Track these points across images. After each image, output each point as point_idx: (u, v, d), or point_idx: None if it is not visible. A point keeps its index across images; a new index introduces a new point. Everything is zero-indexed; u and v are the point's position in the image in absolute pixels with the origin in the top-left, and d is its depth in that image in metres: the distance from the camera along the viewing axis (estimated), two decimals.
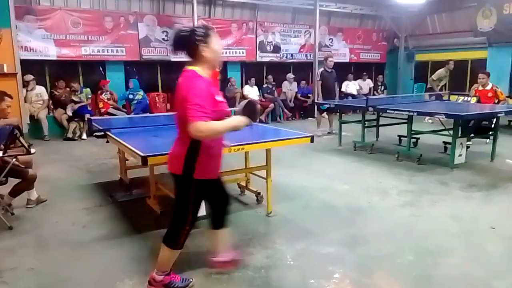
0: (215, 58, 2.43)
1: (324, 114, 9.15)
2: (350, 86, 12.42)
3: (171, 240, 2.55)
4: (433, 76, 10.12)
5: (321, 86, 8.75)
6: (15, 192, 4.06)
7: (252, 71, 11.95)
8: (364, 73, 13.32)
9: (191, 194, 2.46)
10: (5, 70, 7.53)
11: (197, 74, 2.34)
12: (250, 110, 2.49)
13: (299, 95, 12.05)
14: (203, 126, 2.18)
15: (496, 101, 7.76)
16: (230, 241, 2.91)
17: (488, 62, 11.57)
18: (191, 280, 2.75)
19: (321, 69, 8.86)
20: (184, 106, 2.22)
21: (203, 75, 2.35)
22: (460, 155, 5.67)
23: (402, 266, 2.98)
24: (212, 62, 2.43)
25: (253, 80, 11.38)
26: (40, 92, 8.80)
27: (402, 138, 7.27)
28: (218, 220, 2.79)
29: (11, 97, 4.21)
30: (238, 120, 2.40)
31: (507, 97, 9.77)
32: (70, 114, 8.73)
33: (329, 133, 8.88)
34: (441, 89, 10.29)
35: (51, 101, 9.06)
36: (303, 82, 12.31)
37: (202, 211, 3.51)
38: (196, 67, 2.38)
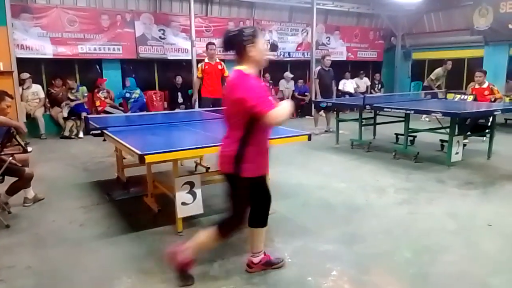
0: (261, 58, 2.54)
1: (321, 113, 9.16)
2: (347, 85, 12.43)
3: (222, 234, 2.62)
4: (431, 76, 10.15)
5: (318, 85, 8.76)
6: (12, 190, 4.04)
7: None
8: (361, 72, 13.33)
9: (242, 192, 2.56)
10: (1, 69, 7.50)
11: (245, 73, 2.44)
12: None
13: (296, 94, 12.04)
14: (276, 113, 2.33)
15: (493, 99, 7.79)
16: (267, 241, 2.92)
17: (484, 61, 11.61)
18: (282, 259, 2.93)
19: (319, 68, 8.88)
20: (244, 105, 2.33)
21: (250, 73, 2.45)
22: (457, 153, 5.69)
23: (399, 263, 2.99)
24: (258, 62, 2.54)
25: None
26: (37, 90, 8.76)
27: (399, 136, 7.29)
28: (257, 217, 2.78)
29: (11, 97, 4.21)
30: (288, 103, 2.49)
31: (504, 95, 9.83)
32: (65, 115, 8.69)
33: (326, 131, 8.89)
34: (437, 88, 10.31)
35: (47, 100, 9.03)
36: (301, 80, 12.31)
37: (200, 209, 3.54)
38: (243, 67, 2.49)
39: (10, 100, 4.17)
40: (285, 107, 2.45)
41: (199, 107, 7.56)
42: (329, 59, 8.84)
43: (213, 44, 7.39)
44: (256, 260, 2.83)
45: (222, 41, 2.56)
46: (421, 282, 2.77)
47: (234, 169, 2.47)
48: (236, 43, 2.48)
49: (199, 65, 7.47)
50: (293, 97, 11.92)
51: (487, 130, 6.71)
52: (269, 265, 2.88)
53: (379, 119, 7.55)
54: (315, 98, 8.79)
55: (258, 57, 2.50)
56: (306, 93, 12.02)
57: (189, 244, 2.67)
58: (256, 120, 2.39)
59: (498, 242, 3.36)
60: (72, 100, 8.83)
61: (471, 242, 3.35)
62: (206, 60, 7.32)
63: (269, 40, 11.86)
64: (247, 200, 2.61)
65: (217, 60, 7.32)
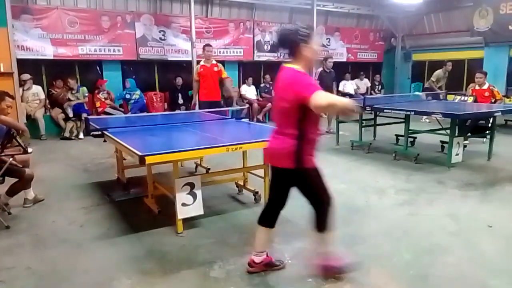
0: (313, 58, 2.56)
1: (322, 114, 9.15)
2: (348, 86, 12.42)
3: (323, 225, 2.67)
4: (432, 78, 10.17)
5: (319, 86, 8.75)
6: (12, 191, 4.04)
7: (250, 70, 11.94)
8: (362, 73, 13.32)
9: (315, 179, 2.62)
10: (2, 70, 7.50)
11: (297, 71, 2.47)
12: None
13: None
14: (322, 95, 2.28)
15: (493, 100, 7.80)
16: (336, 245, 2.88)
17: (484, 62, 11.62)
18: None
19: (320, 69, 8.88)
20: (295, 94, 2.37)
21: (302, 71, 2.48)
22: (457, 154, 5.69)
23: (399, 264, 2.99)
24: (310, 62, 2.57)
25: (250, 79, 11.36)
26: (37, 91, 8.76)
27: (399, 137, 7.28)
28: (266, 215, 2.86)
29: (12, 98, 4.22)
30: (350, 101, 2.36)
31: (504, 96, 9.84)
32: (71, 115, 8.71)
33: (327, 132, 8.89)
34: (439, 89, 10.32)
35: (47, 101, 9.04)
36: None
37: (200, 210, 3.54)
38: (295, 65, 2.51)
39: (10, 101, 4.17)
40: (339, 99, 2.36)
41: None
42: (331, 61, 8.90)
43: (210, 45, 7.24)
44: (258, 259, 2.84)
45: (276, 39, 2.60)
46: (421, 283, 2.77)
47: (296, 164, 2.51)
48: (291, 42, 2.49)
49: (195, 67, 7.32)
50: None
51: (487, 131, 6.71)
52: (270, 266, 2.89)
53: (379, 120, 7.55)
54: None
55: (311, 57, 2.53)
56: None
57: (320, 251, 2.76)
58: (308, 115, 2.44)
59: (498, 243, 3.36)
60: (72, 101, 8.83)
61: (471, 244, 3.35)
62: (202, 63, 7.13)
63: (268, 41, 11.89)
64: (322, 184, 2.65)
65: (213, 62, 7.10)
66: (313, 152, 2.59)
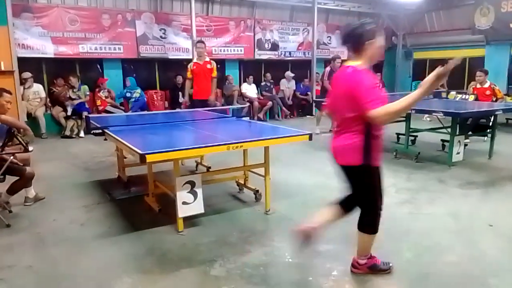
0: (376, 55, 2.53)
1: (322, 112, 9.15)
2: None
3: (369, 227, 2.68)
4: None
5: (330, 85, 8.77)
6: (13, 190, 4.05)
7: (250, 69, 11.93)
8: None
9: (374, 181, 2.59)
10: (2, 68, 7.51)
11: (358, 70, 2.45)
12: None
13: (298, 93, 12.03)
14: (382, 111, 2.29)
15: (494, 99, 7.78)
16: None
17: (486, 60, 11.60)
18: (391, 264, 2.85)
19: (328, 68, 8.85)
20: (356, 101, 2.36)
21: (363, 70, 2.46)
22: (458, 153, 5.68)
23: (400, 263, 2.98)
24: (372, 58, 2.53)
25: (251, 78, 11.35)
26: (38, 90, 8.77)
27: (400, 136, 7.28)
28: (351, 204, 2.81)
29: (10, 93, 4.18)
30: (418, 92, 2.35)
31: (505, 95, 9.81)
32: (69, 113, 8.70)
33: (330, 131, 8.86)
34: (441, 87, 10.30)
35: (48, 99, 9.04)
36: (306, 80, 12.29)
37: (201, 209, 3.54)
38: (356, 63, 2.50)
39: (9, 96, 4.13)
40: (402, 102, 2.32)
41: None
42: (339, 61, 8.89)
43: (202, 42, 7.00)
44: (362, 261, 2.81)
45: (342, 35, 2.61)
46: (421, 282, 2.77)
47: (363, 160, 2.49)
48: (356, 38, 2.48)
49: (188, 65, 7.02)
50: (293, 97, 11.94)
51: (488, 130, 6.70)
52: (375, 269, 2.81)
53: None
54: (325, 97, 8.77)
55: (374, 54, 2.50)
56: (307, 93, 12.00)
57: (358, 251, 2.79)
58: None
59: (499, 242, 3.35)
60: (73, 99, 8.83)
61: (472, 243, 3.34)
62: (195, 60, 6.93)
63: (269, 39, 11.87)
64: (377, 189, 2.62)
65: (207, 60, 6.83)
66: (380, 150, 2.57)
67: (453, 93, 10.05)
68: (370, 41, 2.45)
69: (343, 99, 2.50)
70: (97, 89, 9.36)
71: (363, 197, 2.66)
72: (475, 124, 6.79)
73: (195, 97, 6.87)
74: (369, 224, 2.67)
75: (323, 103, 8.30)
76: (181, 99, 10.18)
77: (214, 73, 6.81)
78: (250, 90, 11.21)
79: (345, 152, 2.55)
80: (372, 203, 2.64)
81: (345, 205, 2.81)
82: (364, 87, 2.37)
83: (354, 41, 2.49)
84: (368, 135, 2.46)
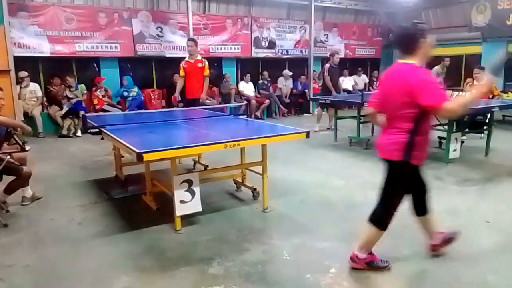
0: (428, 53, 2.61)
1: (319, 109, 9.15)
2: (346, 82, 12.40)
3: (379, 221, 2.73)
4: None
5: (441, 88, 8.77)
6: (10, 189, 4.04)
7: (248, 67, 11.92)
8: (360, 69, 13.33)
9: (405, 179, 2.66)
10: None
11: (416, 66, 2.52)
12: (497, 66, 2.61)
13: (294, 90, 12.01)
14: (452, 105, 2.39)
15: (491, 96, 7.80)
16: (438, 223, 3.00)
17: (482, 57, 11.61)
18: (389, 262, 2.88)
19: (328, 65, 8.86)
20: (417, 98, 2.42)
21: (420, 67, 2.54)
22: (454, 150, 5.70)
23: (397, 260, 2.99)
24: (425, 56, 2.61)
25: (248, 76, 11.34)
26: (34, 89, 8.73)
27: None
28: (421, 206, 2.90)
29: (1, 89, 4.13)
30: (478, 91, 2.51)
31: (501, 92, 9.84)
32: (64, 110, 8.66)
33: (328, 128, 8.87)
34: None
35: (45, 98, 9.01)
36: (303, 77, 12.28)
37: (198, 207, 3.54)
38: (411, 61, 2.57)
39: (1, 93, 4.09)
40: (469, 97, 2.46)
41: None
42: (338, 57, 8.97)
43: (192, 40, 6.87)
44: (361, 256, 2.83)
45: (395, 36, 2.75)
46: (419, 279, 2.78)
47: (403, 156, 2.55)
48: (410, 38, 2.57)
49: (181, 63, 6.88)
50: (291, 95, 11.94)
51: (485, 127, 6.72)
52: (373, 266, 2.84)
53: None
54: (326, 94, 8.77)
55: (427, 52, 2.58)
56: (305, 91, 12.00)
57: (360, 244, 2.82)
58: (426, 112, 2.48)
59: (496, 239, 3.37)
60: (71, 98, 8.80)
61: (469, 239, 3.35)
62: (187, 58, 6.79)
63: (266, 37, 11.86)
64: (402, 188, 2.69)
65: (198, 58, 6.68)
66: (424, 150, 2.62)
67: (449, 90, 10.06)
68: (423, 40, 2.54)
69: (397, 95, 2.55)
70: (94, 88, 9.31)
71: (386, 190, 2.72)
72: (471, 121, 6.81)
73: (187, 96, 6.81)
74: (379, 219, 2.73)
75: (321, 100, 8.38)
76: (178, 98, 10.18)
77: (206, 72, 6.70)
78: (247, 88, 11.20)
79: (388, 147, 2.63)
80: (391, 200, 2.70)
81: (419, 210, 2.92)
82: (431, 83, 2.46)
83: (408, 40, 2.58)
84: (415, 133, 2.52)
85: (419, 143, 2.55)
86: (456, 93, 8.30)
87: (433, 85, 2.47)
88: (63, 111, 8.68)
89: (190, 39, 6.98)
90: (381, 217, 2.73)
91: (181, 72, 6.79)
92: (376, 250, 2.86)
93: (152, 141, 3.86)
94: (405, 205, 4.12)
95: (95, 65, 9.99)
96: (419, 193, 2.88)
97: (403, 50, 2.62)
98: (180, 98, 6.97)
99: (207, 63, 6.76)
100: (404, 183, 2.68)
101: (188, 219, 3.66)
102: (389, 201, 2.71)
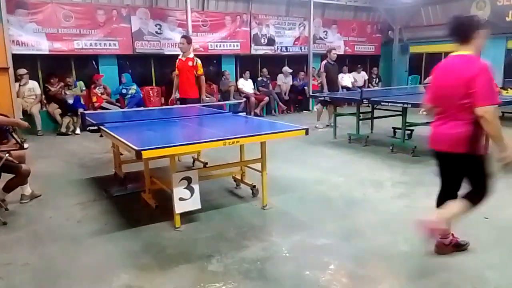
0: (482, 46, 2.68)
1: (319, 106, 9.15)
2: (345, 79, 12.41)
3: (474, 199, 2.78)
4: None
5: (326, 78, 8.79)
6: (8, 187, 4.03)
7: (247, 64, 11.90)
8: (359, 66, 13.32)
9: (483, 167, 2.74)
10: None
11: (476, 57, 2.57)
12: None
13: (295, 82, 12.00)
14: (491, 112, 2.47)
15: None
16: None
17: (482, 54, 11.58)
18: (467, 241, 3.00)
19: (325, 61, 8.85)
20: (473, 88, 2.48)
21: (479, 58, 2.60)
22: None
23: (396, 257, 3.00)
24: (480, 47, 2.67)
25: (247, 73, 11.33)
26: (33, 86, 8.71)
27: (396, 130, 7.29)
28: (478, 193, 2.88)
29: None
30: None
31: (501, 88, 9.84)
32: (72, 102, 8.68)
33: (328, 125, 8.87)
34: None
35: (44, 96, 8.99)
36: (302, 73, 12.26)
37: (198, 204, 3.54)
38: (467, 52, 2.64)
39: None
40: (501, 133, 2.55)
41: None
42: (335, 53, 8.92)
43: (184, 37, 6.61)
44: (447, 241, 2.91)
45: (451, 26, 2.72)
46: (418, 275, 2.78)
47: (470, 149, 2.61)
48: (467, 28, 2.63)
49: (177, 61, 6.67)
50: (291, 91, 11.92)
51: None
52: (459, 247, 2.95)
53: (376, 113, 7.54)
54: (323, 91, 8.78)
55: (481, 44, 2.65)
56: (304, 87, 11.99)
57: (438, 216, 2.81)
58: None
59: (495, 235, 3.38)
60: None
61: (468, 236, 3.34)
62: (180, 56, 6.58)
63: (265, 34, 11.83)
64: (488, 174, 2.76)
65: (190, 56, 6.42)
66: (483, 139, 2.67)
67: None
68: (479, 31, 2.61)
69: (457, 86, 2.58)
70: (92, 86, 9.30)
71: (473, 183, 2.78)
72: None
73: (179, 95, 6.65)
74: (475, 198, 2.77)
75: (320, 98, 8.38)
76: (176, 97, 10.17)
77: (200, 71, 6.42)
78: (246, 85, 11.18)
79: (452, 140, 2.65)
80: (481, 188, 2.77)
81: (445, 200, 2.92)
82: (487, 79, 2.51)
83: (464, 31, 2.64)
84: (478, 124, 2.56)
85: (481, 134, 2.61)
86: None
87: (487, 84, 2.51)
88: (70, 101, 8.65)
89: (182, 36, 6.80)
90: (477, 198, 2.78)
91: (176, 70, 6.66)
92: (373, 244, 2.85)
93: (151, 138, 3.85)
94: (402, 202, 4.15)
95: (94, 62, 9.96)
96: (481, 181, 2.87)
97: (459, 40, 2.66)
98: (178, 96, 6.87)
99: (199, 61, 6.44)
100: (484, 171, 2.74)
101: (187, 216, 3.66)
102: (483, 190, 2.76)
